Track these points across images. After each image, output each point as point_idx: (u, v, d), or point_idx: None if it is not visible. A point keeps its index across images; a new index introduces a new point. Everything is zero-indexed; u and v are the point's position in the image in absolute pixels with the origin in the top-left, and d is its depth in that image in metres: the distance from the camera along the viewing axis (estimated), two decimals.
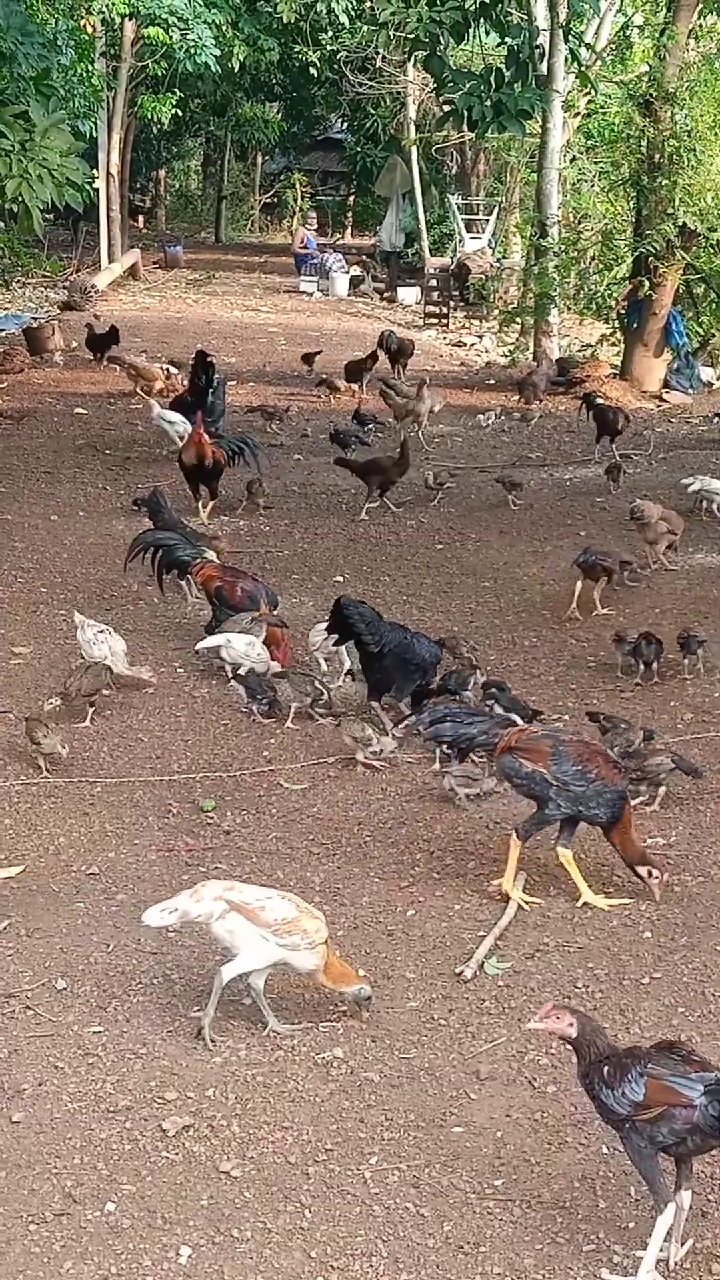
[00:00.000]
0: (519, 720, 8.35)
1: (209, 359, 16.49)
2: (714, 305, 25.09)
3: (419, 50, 14.80)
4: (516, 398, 19.88)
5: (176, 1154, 5.44)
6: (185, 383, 17.70)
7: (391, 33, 15.31)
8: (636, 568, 11.99)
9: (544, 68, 20.00)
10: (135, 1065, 5.95)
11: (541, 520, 14.23)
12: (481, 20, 14.28)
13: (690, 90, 21.16)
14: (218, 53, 29.94)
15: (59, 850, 7.84)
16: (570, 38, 18.14)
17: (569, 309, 26.15)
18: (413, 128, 35.44)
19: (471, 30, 14.56)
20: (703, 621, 10.81)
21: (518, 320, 26.16)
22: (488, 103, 13.96)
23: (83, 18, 26.72)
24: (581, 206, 25.17)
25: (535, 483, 15.47)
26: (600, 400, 17.46)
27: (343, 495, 15.04)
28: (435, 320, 31.40)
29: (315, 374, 21.24)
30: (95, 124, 28.79)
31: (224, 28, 31.88)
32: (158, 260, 38.23)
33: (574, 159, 26.82)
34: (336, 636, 9.75)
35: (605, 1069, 4.94)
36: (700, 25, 23.28)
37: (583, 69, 18.73)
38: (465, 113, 14.05)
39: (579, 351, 23.68)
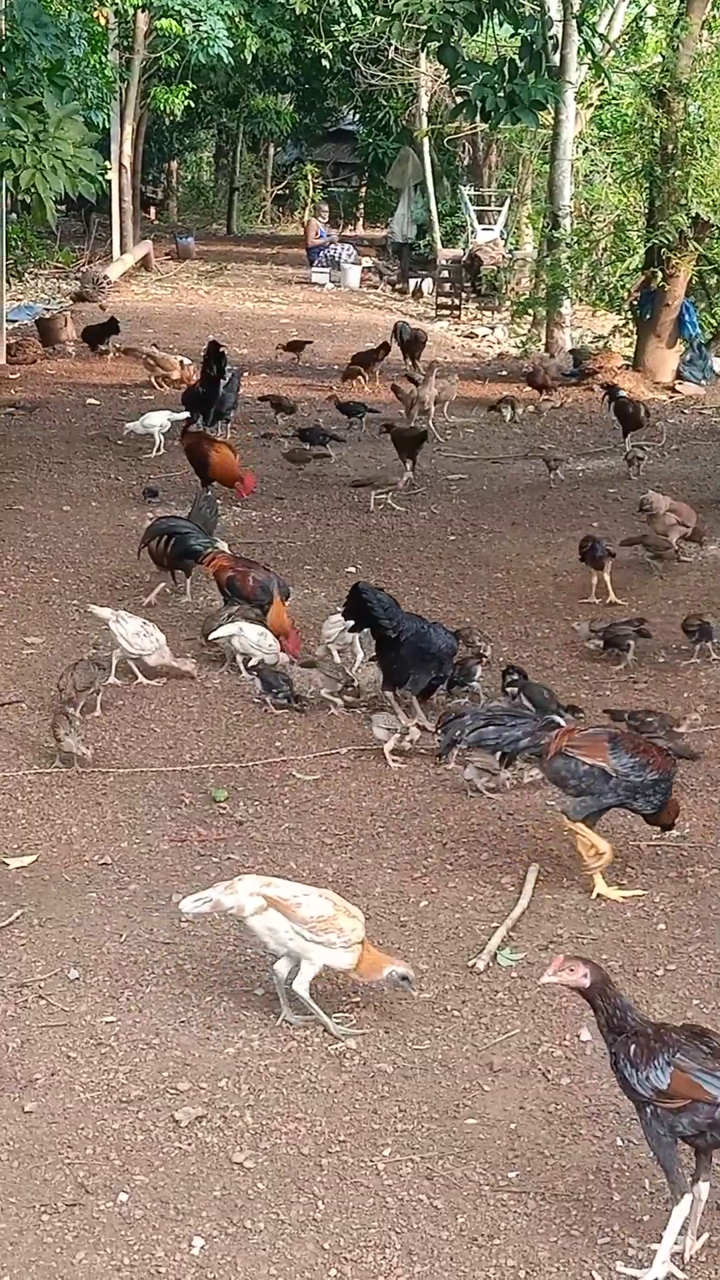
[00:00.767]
0: (559, 720, 8.14)
1: (221, 349, 16.44)
2: None
3: (432, 41, 14.78)
4: (528, 389, 19.80)
5: (189, 1145, 5.43)
6: (198, 374, 17.66)
7: (404, 24, 15.34)
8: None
9: (557, 59, 19.96)
10: (148, 1056, 5.93)
11: (554, 511, 14.21)
12: (495, 11, 14.25)
13: (704, 81, 21.10)
14: (230, 44, 29.89)
15: (72, 840, 7.83)
16: (584, 28, 18.10)
17: (581, 300, 26.10)
18: (425, 119, 35.39)
19: (485, 21, 14.53)
20: (715, 614, 10.75)
21: (530, 311, 26.11)
22: (501, 94, 13.93)
23: (96, 9, 26.72)
24: (594, 198, 25.14)
25: (546, 473, 15.42)
26: (623, 394, 17.41)
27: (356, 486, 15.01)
28: (447, 311, 31.36)
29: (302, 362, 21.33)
30: (108, 115, 28.76)
31: (237, 19, 31.80)
32: (169, 252, 38.19)
33: (586, 150, 26.78)
34: (353, 624, 9.72)
35: (632, 1046, 4.89)
36: (714, 16, 23.17)
37: (596, 60, 18.71)
38: (479, 104, 14.02)
39: (591, 343, 23.61)
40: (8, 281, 23.49)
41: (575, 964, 5.00)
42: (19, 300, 27.55)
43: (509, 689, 9.21)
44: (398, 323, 22.78)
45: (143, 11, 31.29)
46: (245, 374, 18.60)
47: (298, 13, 31.64)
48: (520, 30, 14.58)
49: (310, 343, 22.57)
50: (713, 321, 24.23)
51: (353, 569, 12.32)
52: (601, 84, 25.40)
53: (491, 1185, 5.25)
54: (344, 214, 49.39)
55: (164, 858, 7.64)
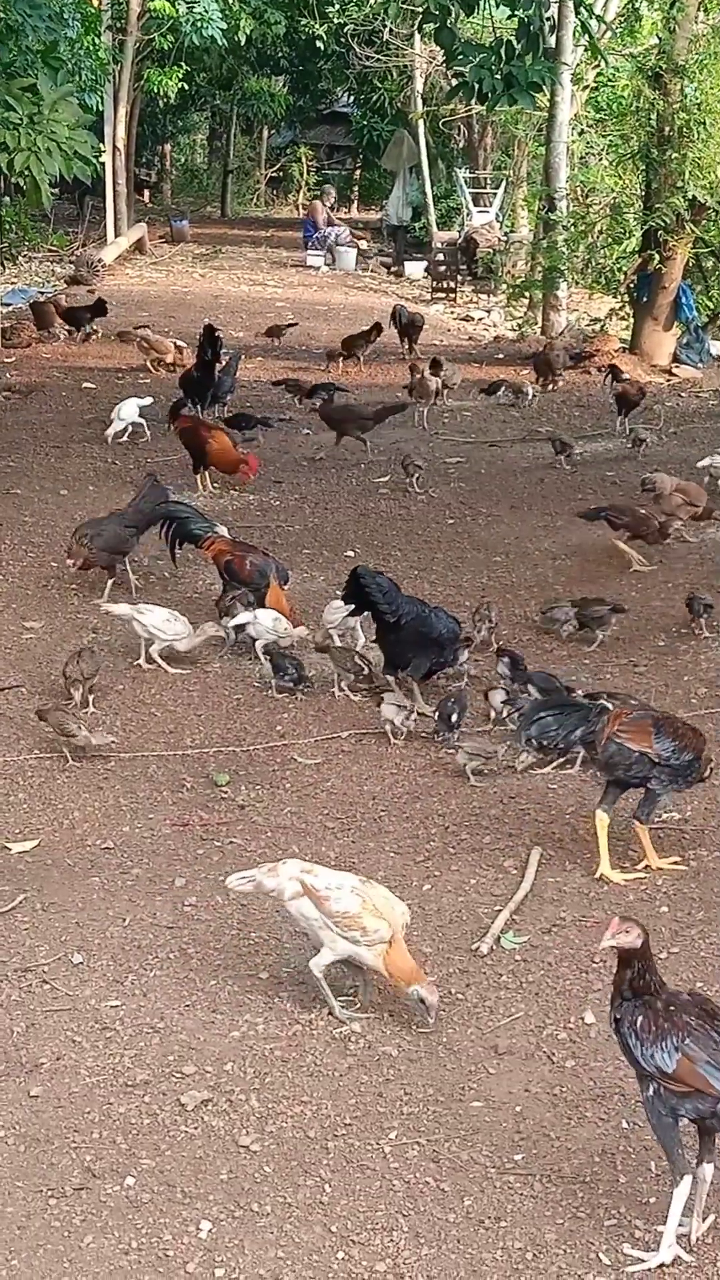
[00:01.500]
0: (608, 705, 7.89)
1: (216, 333, 16.39)
2: None
3: (429, 22, 14.69)
4: (528, 373, 19.76)
5: (195, 1128, 5.43)
6: (194, 358, 17.61)
7: (400, 5, 15.27)
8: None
9: (553, 40, 19.90)
10: (153, 1040, 5.94)
11: (552, 494, 14.19)
12: None
13: (700, 63, 21.02)
14: (224, 26, 29.82)
15: (74, 825, 7.83)
16: (580, 9, 17.99)
17: (577, 283, 26.04)
18: (420, 101, 35.27)
19: (481, 2, 14.46)
20: (716, 598, 10.75)
21: (526, 294, 26.06)
22: (498, 76, 13.86)
23: None
24: (590, 180, 25.09)
25: (546, 457, 15.41)
26: (625, 376, 17.42)
27: (353, 470, 14.99)
28: (443, 295, 31.29)
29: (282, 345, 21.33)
30: (102, 98, 28.64)
31: (230, 1, 31.73)
32: (164, 235, 38.08)
33: (583, 132, 26.70)
34: (353, 608, 9.72)
35: (640, 1018, 4.87)
36: None
37: (593, 41, 18.63)
38: (475, 85, 13.95)
39: (587, 325, 23.59)
40: (1, 265, 23.50)
41: (630, 925, 4.97)
42: (13, 284, 27.49)
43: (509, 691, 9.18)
44: (395, 306, 22.73)
45: None
46: (242, 357, 18.55)
47: None
48: (517, 11, 14.50)
49: (293, 325, 22.50)
50: (709, 304, 24.21)
51: (351, 553, 12.31)
52: (598, 66, 25.35)
53: (498, 1168, 5.26)
54: (339, 197, 49.25)
55: (166, 842, 7.65)
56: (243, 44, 34.95)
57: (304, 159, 49.57)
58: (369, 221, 43.20)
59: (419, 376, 17.43)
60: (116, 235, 33.55)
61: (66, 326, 21.85)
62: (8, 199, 25.26)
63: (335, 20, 34.28)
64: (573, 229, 23.59)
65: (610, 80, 26.07)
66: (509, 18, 15.92)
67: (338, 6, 33.52)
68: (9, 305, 24.11)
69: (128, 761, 8.52)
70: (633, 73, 22.98)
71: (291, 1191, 5.13)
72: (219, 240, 38.48)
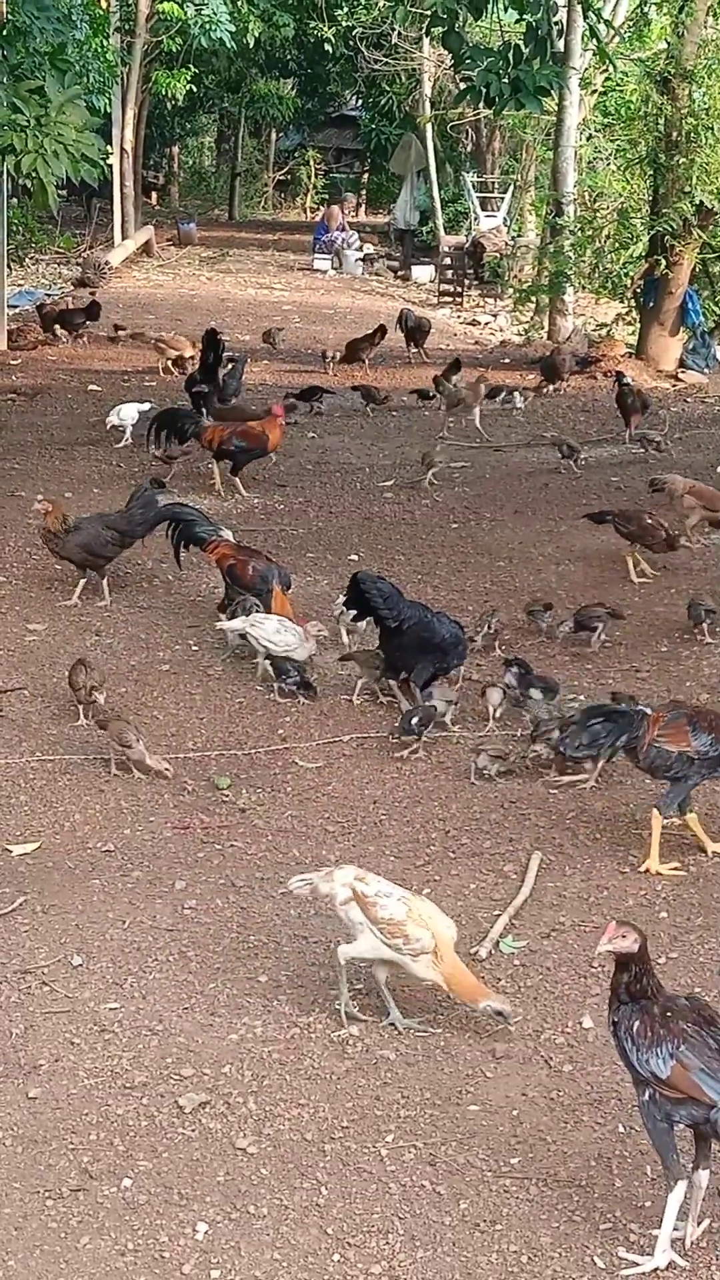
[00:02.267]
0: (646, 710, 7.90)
1: (218, 337, 16.41)
2: None
3: (437, 26, 14.68)
4: (533, 377, 19.78)
5: (193, 1130, 5.45)
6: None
7: (409, 8, 15.29)
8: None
9: (561, 44, 19.89)
10: (151, 1042, 5.96)
11: (556, 499, 14.20)
12: None
13: (708, 68, 21.02)
14: (233, 28, 29.88)
15: (75, 827, 7.85)
16: (589, 14, 18.01)
17: (584, 288, 26.03)
18: (428, 105, 35.29)
19: (490, 6, 14.47)
20: (718, 602, 10.75)
21: (533, 299, 26.08)
22: (505, 80, 13.87)
23: None
24: (597, 185, 25.05)
25: (550, 461, 15.43)
26: (628, 382, 17.41)
27: (358, 474, 15.02)
28: (450, 299, 31.31)
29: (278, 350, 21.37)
30: (109, 100, 28.71)
31: (239, 3, 31.78)
32: (171, 237, 38.13)
33: (590, 137, 26.70)
34: (355, 613, 9.74)
35: (636, 1023, 4.89)
36: (719, 2, 23.14)
37: (601, 45, 18.64)
38: (483, 90, 13.95)
39: (594, 330, 23.60)
40: (9, 267, 23.48)
41: (627, 930, 4.97)
42: (20, 286, 27.53)
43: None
44: (402, 310, 22.76)
45: None
46: (248, 361, 18.58)
47: None
48: (525, 16, 14.51)
49: (282, 329, 22.52)
50: (716, 309, 24.20)
51: (355, 557, 12.32)
52: (606, 70, 25.30)
53: (494, 1171, 5.27)
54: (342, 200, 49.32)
55: (167, 845, 7.66)
56: (251, 46, 35.01)
57: (312, 162, 49.66)
58: (376, 225, 43.21)
59: (460, 384, 17.18)
60: (124, 238, 33.61)
61: (61, 330, 21.87)
62: (15, 201, 25.23)
63: (344, 23, 34.33)
64: (580, 234, 23.59)
65: (618, 85, 26.02)
66: (517, 22, 15.93)
67: (346, 10, 33.57)
68: (15, 307, 24.14)
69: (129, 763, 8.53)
70: (641, 77, 22.98)
71: (288, 1194, 5.15)
72: (226, 243, 38.54)
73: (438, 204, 36.35)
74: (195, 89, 37.08)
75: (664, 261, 21.01)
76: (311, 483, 14.71)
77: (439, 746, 8.88)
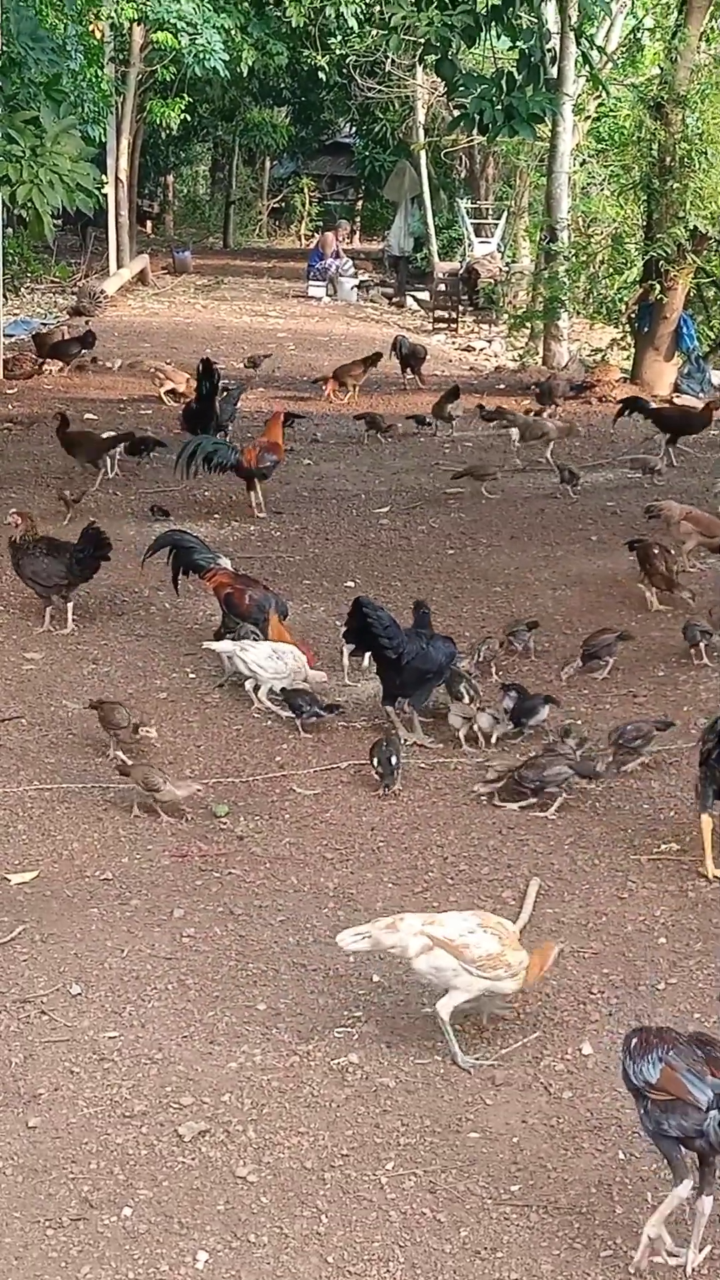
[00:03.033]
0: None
1: (213, 366, 16.49)
2: None
3: (430, 54, 14.83)
4: (529, 403, 19.83)
5: (193, 1159, 5.44)
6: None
7: (402, 37, 15.33)
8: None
9: (554, 71, 20.00)
10: (151, 1070, 5.95)
11: (553, 525, 14.21)
12: (493, 24, 14.28)
13: (702, 93, 21.12)
14: (226, 57, 29.95)
15: (73, 856, 7.84)
16: (581, 40, 18.14)
17: (579, 313, 26.12)
18: (421, 132, 35.46)
19: (483, 34, 14.56)
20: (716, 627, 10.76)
21: (527, 324, 26.16)
22: (499, 107, 13.97)
23: (91, 23, 26.75)
24: (591, 210, 25.19)
25: (546, 487, 15.46)
26: (651, 404, 17.58)
27: (353, 500, 15.04)
28: (444, 325, 31.40)
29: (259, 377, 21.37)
30: (104, 129, 28.82)
31: (233, 32, 31.83)
32: (166, 265, 38.25)
33: (584, 163, 26.84)
34: (354, 646, 9.74)
35: (634, 1040, 4.98)
36: (711, 28, 23.23)
37: (594, 72, 18.75)
38: (476, 117, 14.06)
39: (589, 355, 23.66)
40: (4, 296, 23.62)
41: None
42: (15, 315, 27.60)
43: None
44: (397, 336, 22.81)
45: (139, 25, 31.35)
46: (245, 388, 18.62)
47: (294, 26, 31.60)
48: (518, 43, 14.61)
49: (268, 356, 22.57)
50: (710, 334, 24.33)
51: (351, 583, 12.33)
52: (599, 96, 25.46)
53: (494, 1199, 5.26)
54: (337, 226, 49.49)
55: (165, 873, 7.66)
56: (245, 75, 35.08)
57: (306, 190, 49.87)
58: (371, 252, 43.35)
59: (538, 414, 16.97)
60: (119, 266, 33.71)
61: (55, 362, 21.91)
62: (10, 230, 25.34)
63: (337, 52, 34.41)
64: (574, 259, 23.68)
65: (612, 111, 26.18)
66: (510, 49, 16.07)
67: (340, 38, 33.61)
68: (11, 336, 24.20)
69: (127, 792, 8.52)
70: (634, 103, 23.08)
71: (288, 1222, 5.14)
72: (221, 271, 38.66)
73: (432, 230, 36.53)
74: (190, 118, 37.15)
75: (658, 286, 21.08)
76: (308, 510, 14.73)
77: (436, 773, 8.89)
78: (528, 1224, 5.14)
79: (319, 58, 33.79)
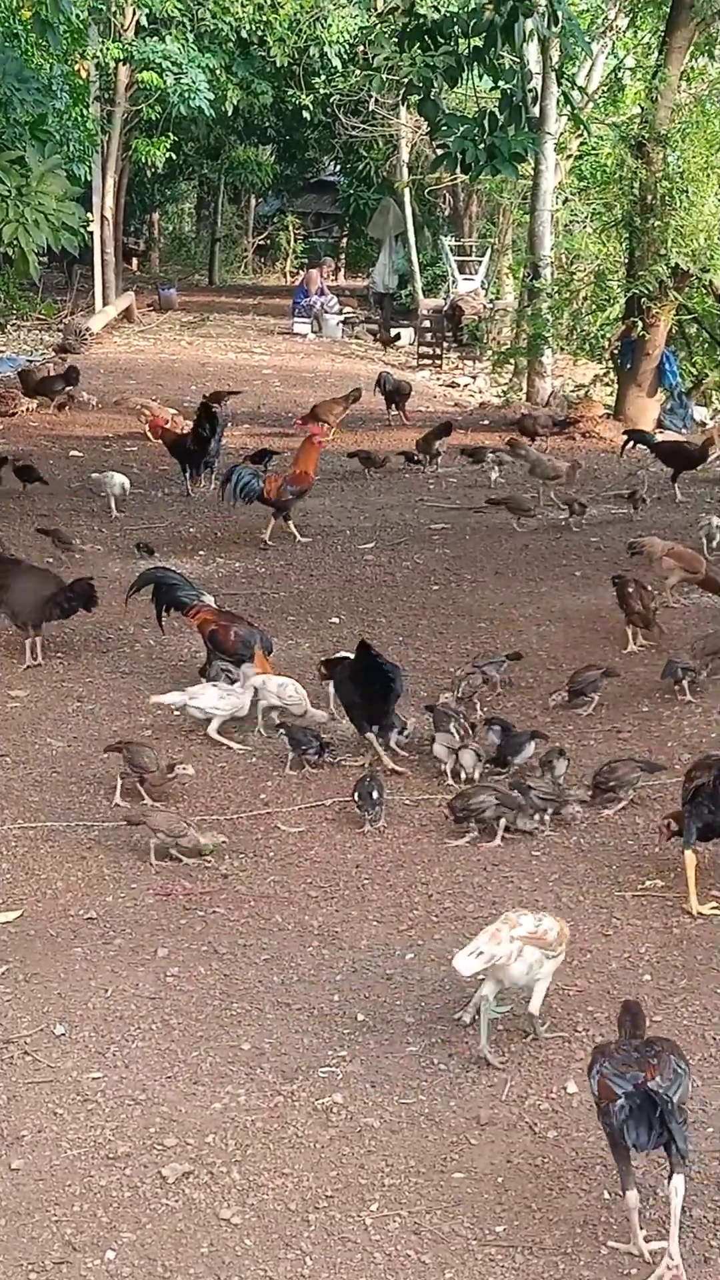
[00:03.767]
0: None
1: (214, 410, 16.73)
2: (707, 345, 25.24)
3: (412, 94, 14.89)
4: (512, 438, 19.87)
5: (176, 1201, 5.41)
6: (185, 428, 17.89)
7: (384, 77, 15.47)
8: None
9: (537, 110, 20.10)
10: (135, 1111, 5.92)
11: (536, 561, 14.25)
12: (474, 64, 14.35)
13: (682, 132, 21.30)
14: (211, 96, 30.17)
15: (57, 894, 7.82)
16: (563, 81, 18.22)
17: (562, 349, 26.25)
18: (405, 170, 35.65)
19: (465, 74, 14.63)
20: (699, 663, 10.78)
21: (511, 361, 26.27)
22: (481, 146, 14.01)
23: (77, 63, 26.89)
24: (574, 248, 25.33)
25: (531, 523, 15.49)
26: (656, 438, 17.73)
27: (338, 536, 15.06)
28: (428, 361, 31.49)
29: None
30: (90, 168, 28.94)
31: (218, 72, 32.08)
32: (152, 303, 38.37)
33: (566, 200, 27.00)
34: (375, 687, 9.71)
35: (591, 1059, 5.25)
36: (691, 67, 23.46)
37: (575, 111, 18.86)
38: (459, 156, 14.10)
39: (572, 392, 23.75)
40: None
41: None
42: (1, 352, 27.64)
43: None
44: (381, 373, 22.89)
45: (124, 64, 31.54)
46: (229, 424, 18.67)
47: (278, 65, 31.89)
48: (500, 83, 14.68)
49: (239, 392, 22.56)
50: (693, 370, 24.44)
51: (336, 619, 12.35)
52: (581, 135, 25.62)
53: (479, 1239, 5.24)
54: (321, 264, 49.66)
55: (149, 912, 7.64)
56: (230, 114, 35.33)
57: (291, 227, 50.06)
58: (355, 289, 43.49)
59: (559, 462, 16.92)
60: (105, 304, 33.82)
61: (39, 397, 21.96)
62: None
63: (321, 91, 34.66)
64: (557, 296, 23.80)
65: (594, 149, 26.34)
66: (492, 89, 16.12)
67: (324, 78, 33.88)
68: None
69: (111, 831, 8.52)
70: (616, 142, 23.23)
71: (272, 1264, 5.11)
72: (206, 308, 38.78)
73: (416, 267, 36.69)
74: (175, 156, 37.33)
75: (641, 323, 21.20)
76: (292, 546, 14.75)
77: (420, 810, 8.88)
78: (513, 1265, 5.11)
79: (303, 97, 34.06)
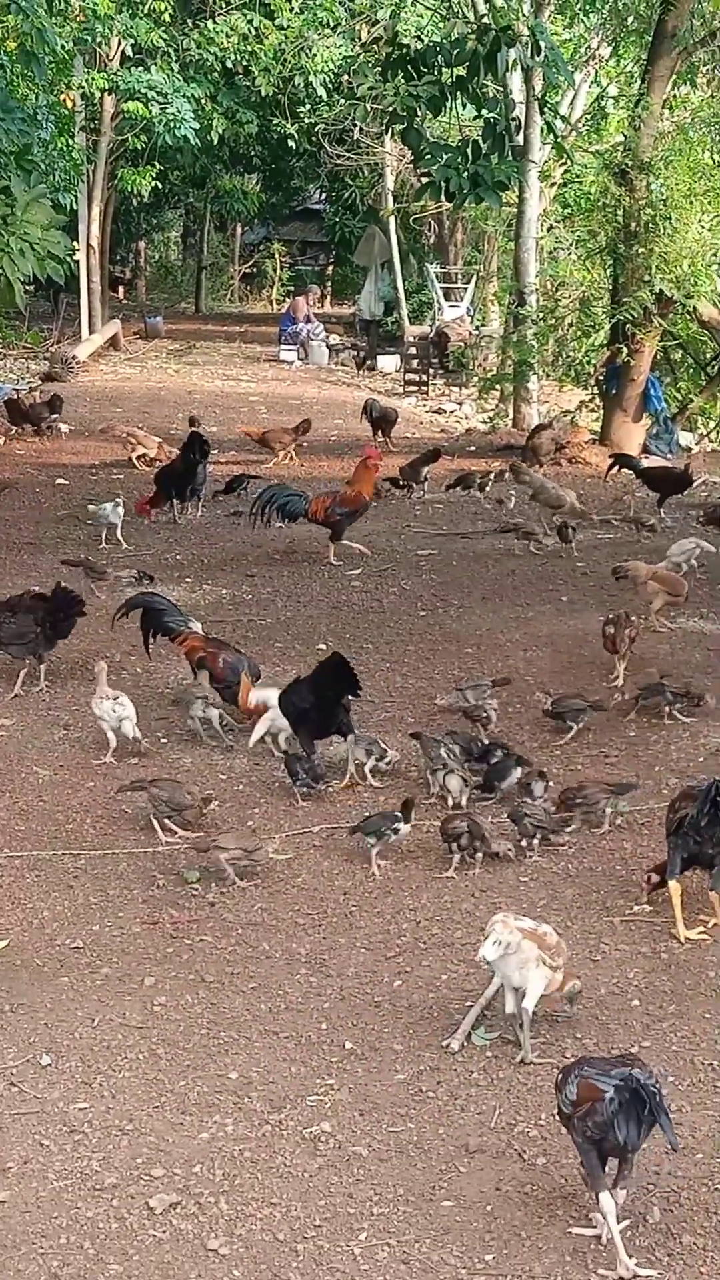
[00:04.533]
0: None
1: (203, 438, 16.94)
2: (691, 371, 25.32)
3: (396, 123, 14.95)
4: (499, 465, 19.91)
5: (164, 1232, 5.38)
6: (172, 455, 17.99)
7: (369, 106, 15.54)
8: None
9: (520, 139, 20.21)
10: (122, 1142, 5.90)
11: (523, 586, 14.26)
12: (458, 93, 14.41)
13: (665, 159, 21.43)
14: (197, 126, 30.26)
15: (43, 924, 7.79)
16: (546, 109, 18.32)
17: (548, 376, 26.32)
18: (390, 198, 35.75)
19: (448, 103, 14.70)
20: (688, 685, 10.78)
21: (497, 387, 26.33)
22: (465, 174, 14.07)
23: (63, 93, 26.98)
24: (559, 274, 25.41)
25: (517, 548, 15.52)
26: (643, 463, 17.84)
27: (326, 563, 15.05)
28: (415, 388, 31.56)
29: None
30: (75, 197, 28.99)
31: (203, 101, 32.18)
32: (138, 331, 38.43)
33: (551, 228, 27.12)
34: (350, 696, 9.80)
35: (560, 1075, 5.40)
36: (674, 95, 23.60)
37: (558, 140, 18.96)
38: (443, 184, 14.16)
39: (557, 418, 23.80)
40: None
41: None
42: None
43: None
44: (367, 400, 22.94)
45: (109, 94, 31.62)
46: (215, 451, 18.70)
47: (263, 94, 32.00)
48: (483, 112, 14.74)
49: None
50: (678, 395, 24.51)
51: (323, 645, 12.33)
52: (565, 163, 25.74)
53: (469, 1268, 5.21)
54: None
55: (136, 941, 7.61)
56: (215, 143, 35.42)
57: (277, 255, 50.19)
58: (342, 316, 43.60)
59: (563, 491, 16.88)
60: (91, 332, 33.87)
61: (24, 425, 22.00)
62: None
63: (306, 120, 34.76)
64: (542, 323, 23.87)
65: (577, 177, 26.46)
66: (475, 118, 16.20)
67: (309, 107, 33.98)
68: None
69: (98, 859, 8.49)
70: (599, 169, 23.34)
71: None
72: (193, 336, 38.85)
73: (402, 295, 36.77)
74: (161, 185, 37.43)
75: (626, 349, 21.27)
76: (279, 572, 14.75)
77: (408, 836, 8.85)
78: None
79: (288, 126, 34.17)
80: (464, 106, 16.11)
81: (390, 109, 14.49)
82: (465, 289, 34.71)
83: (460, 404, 29.54)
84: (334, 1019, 6.81)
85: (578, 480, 18.55)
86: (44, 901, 8.02)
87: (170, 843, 8.68)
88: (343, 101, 31.27)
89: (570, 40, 28.51)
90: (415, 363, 32.41)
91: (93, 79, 29.49)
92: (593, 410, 23.82)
